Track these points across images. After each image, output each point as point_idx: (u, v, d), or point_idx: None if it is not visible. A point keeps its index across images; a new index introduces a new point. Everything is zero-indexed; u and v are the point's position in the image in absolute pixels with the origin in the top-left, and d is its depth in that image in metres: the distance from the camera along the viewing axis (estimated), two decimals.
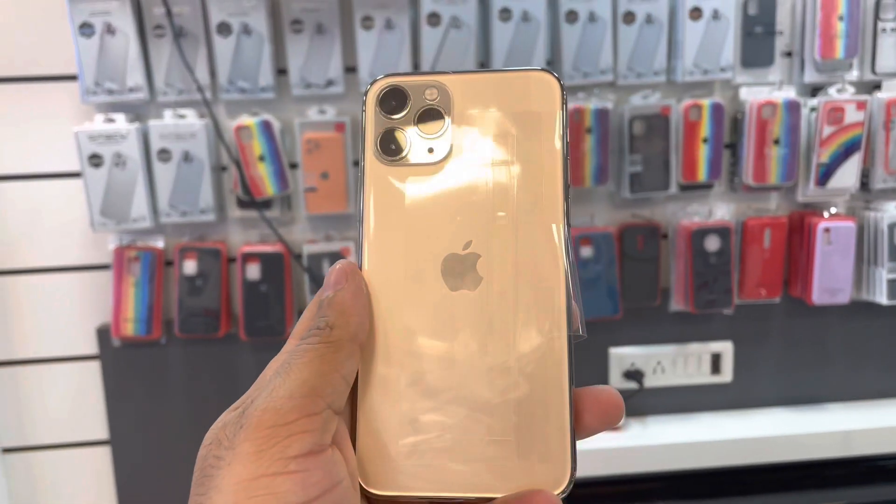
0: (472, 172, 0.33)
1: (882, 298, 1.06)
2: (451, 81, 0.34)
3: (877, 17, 1.04)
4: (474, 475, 0.31)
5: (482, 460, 0.31)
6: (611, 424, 0.32)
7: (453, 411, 0.31)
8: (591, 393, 0.33)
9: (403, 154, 0.34)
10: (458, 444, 0.31)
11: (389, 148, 0.34)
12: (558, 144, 0.33)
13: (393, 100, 0.34)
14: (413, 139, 0.34)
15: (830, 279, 1.06)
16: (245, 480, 0.26)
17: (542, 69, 0.34)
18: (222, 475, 0.27)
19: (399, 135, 0.34)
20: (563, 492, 0.31)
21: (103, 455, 1.10)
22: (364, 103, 0.34)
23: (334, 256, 1.03)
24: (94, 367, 1.08)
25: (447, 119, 0.34)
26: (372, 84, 0.34)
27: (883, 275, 1.06)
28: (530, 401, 0.31)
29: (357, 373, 0.32)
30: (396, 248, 0.33)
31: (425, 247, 0.33)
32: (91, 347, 1.07)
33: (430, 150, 0.33)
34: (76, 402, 1.09)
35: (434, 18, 0.98)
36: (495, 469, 0.31)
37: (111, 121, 0.99)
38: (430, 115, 0.34)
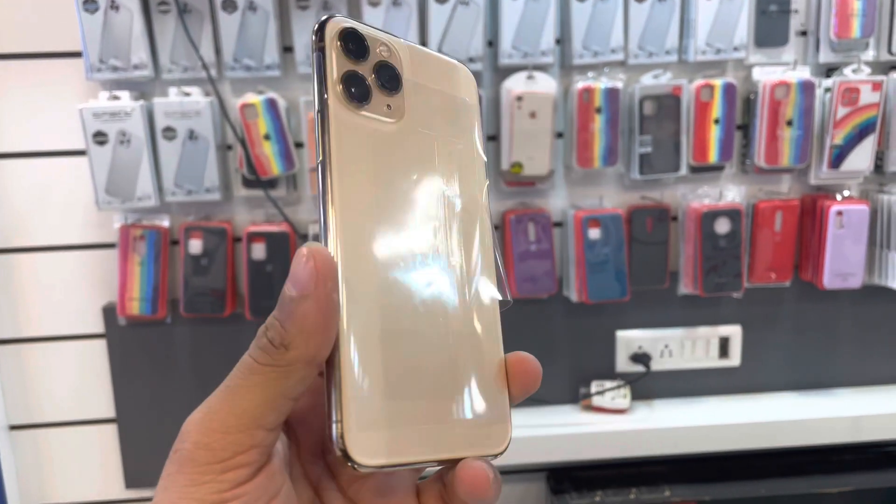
0: (424, 143, 0.32)
1: (895, 283, 1.05)
2: (399, 47, 0.33)
3: None
4: (440, 439, 0.30)
5: (444, 424, 0.30)
6: (529, 393, 0.32)
7: (420, 381, 0.30)
8: (515, 360, 0.32)
9: (367, 103, 0.31)
10: (425, 411, 0.30)
11: (353, 93, 0.31)
12: (479, 133, 0.35)
13: (353, 43, 0.31)
14: (374, 90, 0.31)
15: (842, 263, 1.04)
16: None
17: (465, 64, 0.35)
18: (158, 499, 0.27)
19: (362, 81, 0.31)
20: (505, 448, 0.32)
21: (110, 433, 1.11)
22: (321, 38, 0.30)
23: None
24: (100, 346, 1.08)
25: (401, 80, 0.32)
26: (326, 20, 0.31)
27: None
28: (476, 365, 0.32)
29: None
30: (367, 212, 0.30)
31: (392, 217, 0.30)
32: (97, 326, 1.07)
33: (389, 107, 0.31)
34: (82, 380, 1.09)
35: None
36: (457, 432, 0.30)
37: (116, 98, 0.98)
38: (387, 70, 0.32)
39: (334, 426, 0.27)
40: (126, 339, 1.06)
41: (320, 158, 0.30)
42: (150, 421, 1.09)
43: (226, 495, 0.26)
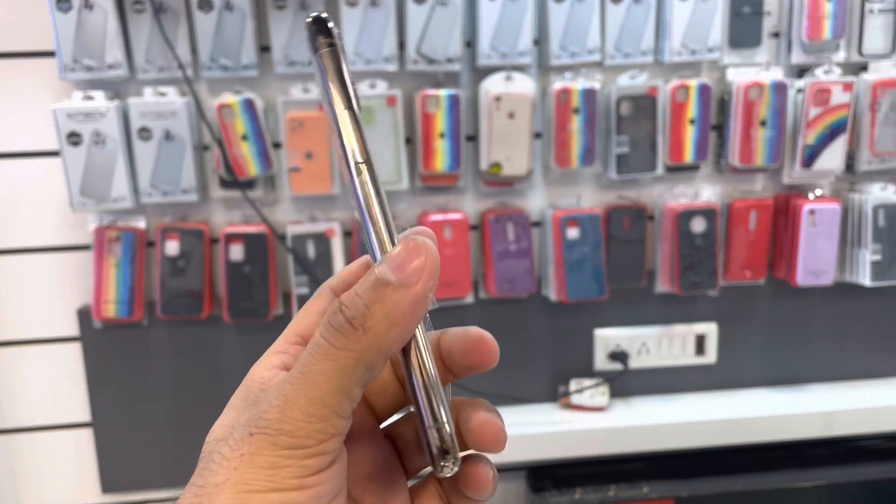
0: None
1: (865, 280, 1.07)
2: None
3: None
4: None
5: None
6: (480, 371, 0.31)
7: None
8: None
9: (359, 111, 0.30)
10: None
11: (355, 104, 0.30)
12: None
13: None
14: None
15: (815, 261, 1.06)
16: (258, 492, 0.26)
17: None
18: (225, 476, 0.26)
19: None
20: None
21: (85, 437, 1.09)
22: (329, 34, 0.29)
23: (318, 237, 1.02)
24: (76, 349, 1.07)
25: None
26: (325, 17, 0.29)
27: (867, 256, 1.06)
28: None
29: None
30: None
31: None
32: (72, 329, 1.06)
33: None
34: (57, 384, 1.08)
35: None
36: None
37: (90, 98, 0.97)
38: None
39: (445, 428, 0.28)
40: (102, 342, 1.05)
41: (361, 159, 0.29)
42: (126, 425, 1.08)
43: (306, 481, 0.26)
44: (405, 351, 0.28)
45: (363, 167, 0.29)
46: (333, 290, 0.32)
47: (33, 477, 1.10)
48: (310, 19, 0.29)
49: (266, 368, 0.30)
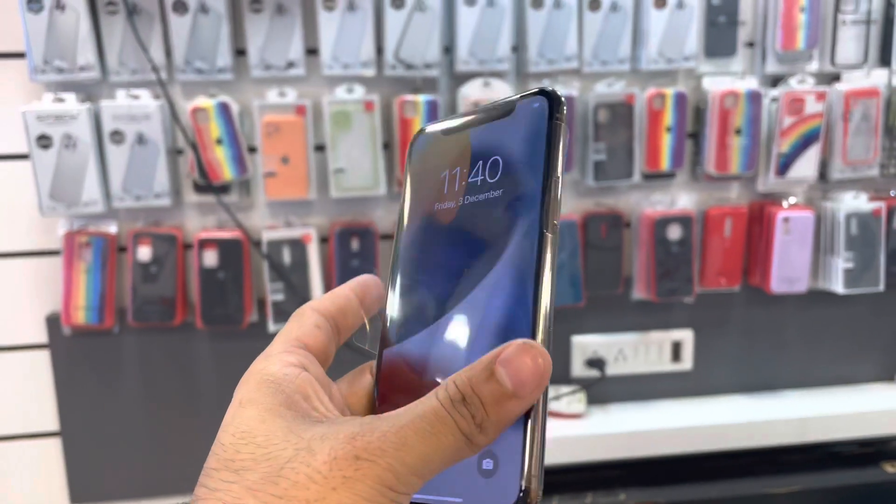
0: None
1: (838, 287, 1.08)
2: None
3: (837, 10, 1.05)
4: None
5: None
6: None
7: None
8: None
9: None
10: None
11: None
12: None
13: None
14: None
15: (789, 268, 1.07)
16: None
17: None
18: (320, 493, 0.25)
19: None
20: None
21: (53, 447, 1.07)
22: (562, 112, 0.32)
23: (294, 243, 1.01)
24: (44, 357, 1.04)
25: None
26: (558, 93, 0.32)
27: (839, 264, 1.07)
28: None
29: None
30: None
31: None
32: (40, 336, 1.04)
33: None
34: (25, 392, 1.05)
35: (398, 0, 0.97)
36: None
37: (61, 100, 0.95)
38: None
39: (533, 480, 0.27)
40: (71, 349, 1.03)
41: (557, 222, 0.30)
42: (96, 434, 1.05)
43: None
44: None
45: (555, 231, 0.30)
46: (315, 309, 0.33)
47: (0, 487, 1.08)
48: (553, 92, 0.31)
49: (286, 365, 0.30)
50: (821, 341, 1.17)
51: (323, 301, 0.34)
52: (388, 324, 0.34)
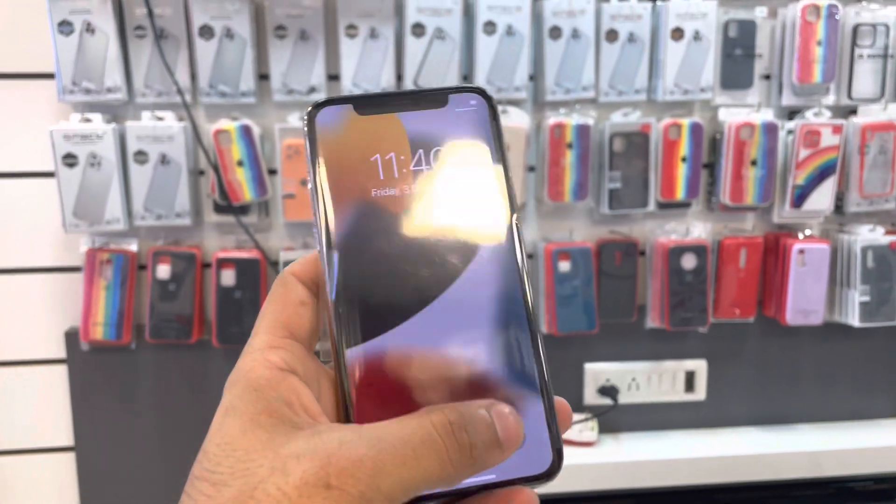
0: None
1: (854, 321, 1.07)
2: None
3: (854, 44, 1.05)
4: None
5: None
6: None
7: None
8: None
9: None
10: None
11: None
12: None
13: None
14: None
15: (804, 300, 1.07)
16: None
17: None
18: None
19: None
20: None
21: (67, 462, 1.08)
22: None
23: None
24: (61, 372, 1.05)
25: None
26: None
27: (855, 297, 1.07)
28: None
29: None
30: None
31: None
32: (59, 351, 1.05)
33: None
34: (41, 406, 1.06)
35: (418, 29, 0.99)
36: None
37: (87, 120, 0.97)
38: None
39: (560, 446, 0.30)
40: (88, 364, 1.04)
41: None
42: (109, 450, 1.06)
43: None
44: None
45: (520, 222, 0.33)
46: (297, 276, 0.32)
47: (12, 501, 1.08)
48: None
49: (269, 368, 0.29)
50: (836, 375, 1.16)
51: (304, 266, 0.32)
52: (341, 318, 0.31)
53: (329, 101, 0.34)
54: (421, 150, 0.33)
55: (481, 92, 0.34)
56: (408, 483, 0.26)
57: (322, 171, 0.33)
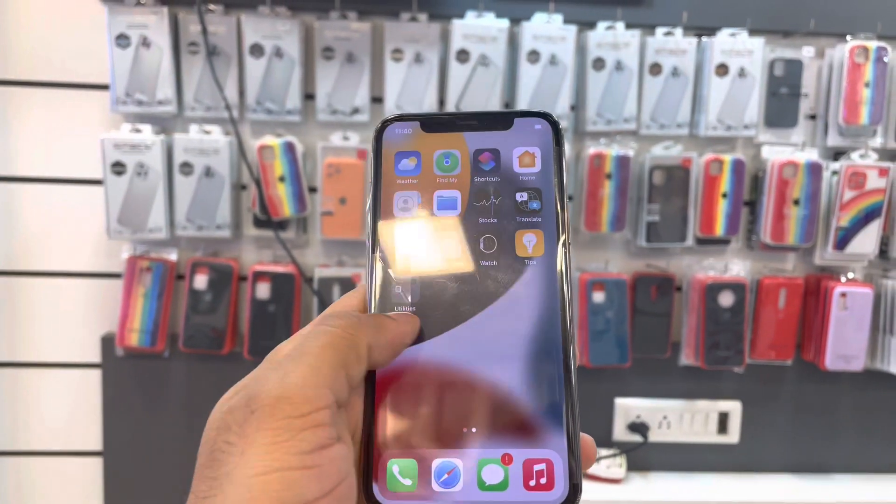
0: None
1: None
2: None
3: None
4: None
5: None
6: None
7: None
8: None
9: None
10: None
11: None
12: None
13: None
14: None
15: (844, 345, 1.04)
16: (261, 474, 0.26)
17: None
18: (234, 463, 0.26)
19: None
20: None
21: (94, 466, 1.09)
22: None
23: (345, 282, 1.02)
24: (95, 376, 1.07)
25: None
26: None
27: None
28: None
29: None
30: None
31: None
32: (94, 356, 1.07)
33: None
34: (73, 410, 1.08)
35: (463, 55, 1.00)
36: None
37: (137, 131, 1.00)
38: None
39: (580, 475, 0.31)
40: (122, 370, 1.06)
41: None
42: (136, 456, 1.07)
43: (306, 459, 0.26)
44: None
45: (568, 247, 0.34)
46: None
47: (38, 503, 1.09)
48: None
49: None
50: (876, 424, 1.12)
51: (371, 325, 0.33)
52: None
53: (398, 118, 0.36)
54: (483, 168, 0.34)
55: (548, 117, 0.35)
56: (314, 368, 0.29)
57: (381, 180, 0.35)
